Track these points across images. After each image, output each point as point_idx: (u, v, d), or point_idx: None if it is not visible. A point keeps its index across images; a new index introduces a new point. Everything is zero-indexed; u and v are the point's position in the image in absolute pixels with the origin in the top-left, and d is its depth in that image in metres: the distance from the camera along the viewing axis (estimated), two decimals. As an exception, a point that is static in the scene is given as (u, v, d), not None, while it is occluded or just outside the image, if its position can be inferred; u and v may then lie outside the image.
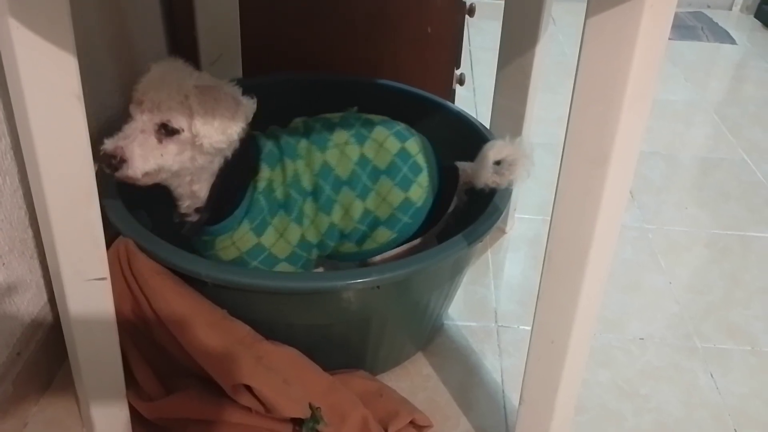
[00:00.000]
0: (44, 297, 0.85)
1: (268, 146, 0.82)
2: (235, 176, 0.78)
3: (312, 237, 0.83)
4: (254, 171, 0.80)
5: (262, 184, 0.80)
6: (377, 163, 0.83)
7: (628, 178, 0.60)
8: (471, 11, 1.24)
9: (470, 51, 1.91)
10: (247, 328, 0.76)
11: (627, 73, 0.53)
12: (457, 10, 1.17)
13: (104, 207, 0.82)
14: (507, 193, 0.88)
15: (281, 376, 0.74)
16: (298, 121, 0.88)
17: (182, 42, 1.18)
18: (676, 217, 1.29)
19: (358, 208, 0.83)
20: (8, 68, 0.55)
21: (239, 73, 1.14)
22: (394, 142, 0.84)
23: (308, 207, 0.82)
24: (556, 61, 1.64)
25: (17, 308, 0.81)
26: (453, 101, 1.24)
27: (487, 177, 0.85)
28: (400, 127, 0.87)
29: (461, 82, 1.31)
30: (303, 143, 0.83)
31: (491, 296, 1.06)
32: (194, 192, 0.78)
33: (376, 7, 1.15)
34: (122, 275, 0.77)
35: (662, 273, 1.14)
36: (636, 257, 1.18)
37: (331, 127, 0.85)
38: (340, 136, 0.84)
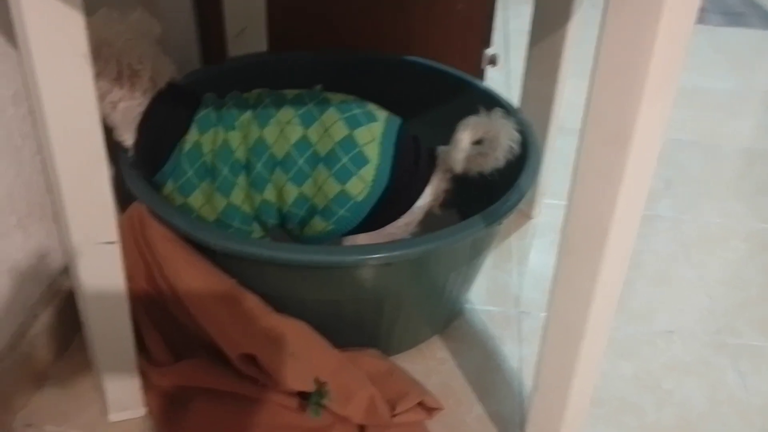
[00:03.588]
0: (62, 262, 0.86)
1: (206, 111, 0.81)
2: (159, 131, 0.80)
3: (247, 209, 0.81)
4: (182, 130, 0.80)
5: (187, 146, 0.80)
6: (318, 148, 0.78)
7: (651, 158, 0.56)
8: (505, -11, 1.20)
9: (505, 34, 1.86)
10: (257, 299, 0.75)
11: (651, 44, 0.49)
12: (490, -12, 1.13)
13: (121, 173, 0.83)
14: (531, 173, 0.85)
15: (289, 349, 0.73)
16: (254, 92, 0.85)
17: (208, 15, 1.17)
18: (713, 208, 1.24)
19: (291, 192, 0.79)
20: (17, 27, 0.55)
21: (264, 47, 1.12)
22: (340, 128, 0.78)
23: (241, 180, 0.80)
24: (592, 46, 1.59)
25: (35, 272, 0.82)
26: (482, 81, 1.21)
27: (463, 159, 0.78)
28: (362, 110, 0.80)
29: (493, 62, 1.27)
30: (246, 115, 0.80)
31: (513, 282, 1.04)
32: (122, 141, 0.83)
33: (406, -18, 1.13)
34: (135, 242, 0.77)
35: (694, 266, 1.09)
36: (667, 248, 1.13)
37: (281, 103, 0.81)
38: (286, 114, 0.80)
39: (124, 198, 0.93)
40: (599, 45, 0.53)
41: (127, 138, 0.82)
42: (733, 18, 2.15)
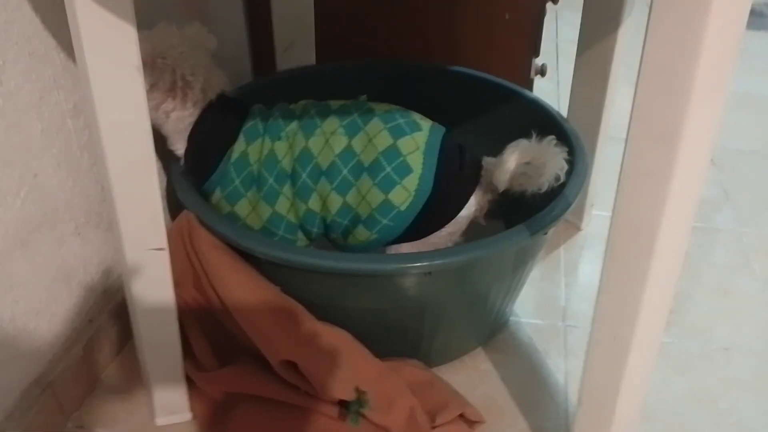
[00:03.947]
0: (118, 269, 0.89)
1: (253, 121, 0.83)
2: (208, 141, 0.83)
3: (292, 218, 0.82)
4: (231, 140, 0.82)
5: (234, 156, 0.82)
6: (363, 158, 0.78)
7: (702, 161, 0.54)
8: (554, -1, 1.19)
9: (557, 43, 1.84)
10: (300, 306, 0.76)
11: (699, 41, 0.48)
12: (538, -4, 1.12)
13: (173, 183, 0.86)
14: (578, 184, 0.83)
15: (330, 357, 0.73)
16: (300, 103, 0.86)
17: (260, 29, 1.20)
18: (776, 220, 1.18)
19: (336, 202, 0.79)
20: (74, 39, 0.58)
21: (312, 60, 1.14)
22: (384, 138, 0.78)
23: (287, 189, 0.81)
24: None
25: (92, 278, 0.85)
26: (531, 91, 1.19)
27: (506, 180, 0.77)
28: (407, 119, 0.81)
29: (542, 72, 1.25)
30: (292, 126, 0.81)
31: (561, 294, 1.01)
32: (174, 150, 0.86)
33: (453, -8, 1.13)
34: (184, 249, 0.79)
35: (756, 278, 1.04)
36: (727, 260, 1.08)
37: (326, 114, 0.82)
38: (331, 124, 0.80)
39: (174, 207, 0.96)
40: (645, 43, 0.51)
41: (179, 147, 0.85)
42: (799, 23, 2.06)
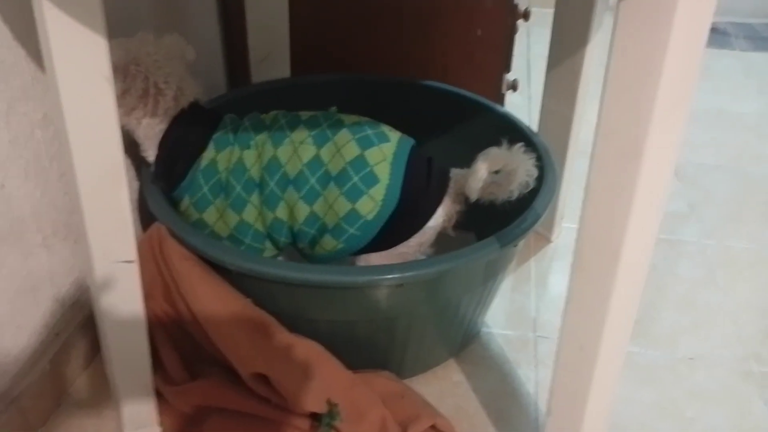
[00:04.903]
0: (87, 281, 0.88)
1: (224, 130, 0.84)
2: (179, 148, 0.83)
3: (260, 227, 0.83)
4: (201, 148, 0.83)
5: (204, 163, 0.83)
6: (330, 167, 0.79)
7: (664, 175, 0.56)
8: (526, 15, 1.21)
9: (529, 59, 1.87)
10: (271, 318, 0.76)
11: (662, 58, 0.49)
12: (509, 13, 1.15)
13: (144, 193, 0.85)
14: (547, 196, 0.84)
15: (301, 369, 0.73)
16: (271, 114, 0.87)
17: (235, 41, 1.20)
18: (739, 233, 1.21)
19: (303, 211, 0.80)
20: (43, 49, 0.57)
21: (287, 72, 1.15)
22: (352, 148, 0.79)
23: (255, 198, 0.82)
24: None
25: (59, 290, 0.84)
26: (502, 105, 1.21)
27: (479, 188, 0.78)
28: (375, 131, 0.81)
29: (514, 87, 1.28)
30: (262, 135, 0.82)
31: (531, 305, 1.02)
32: (145, 156, 0.86)
33: (426, 8, 1.14)
34: (155, 260, 0.78)
35: (719, 291, 1.07)
36: (692, 273, 1.11)
37: (296, 124, 0.83)
38: (300, 134, 0.81)
39: (145, 218, 0.95)
40: (609, 62, 0.53)
41: (150, 154, 0.85)
42: (760, 43, 2.12)
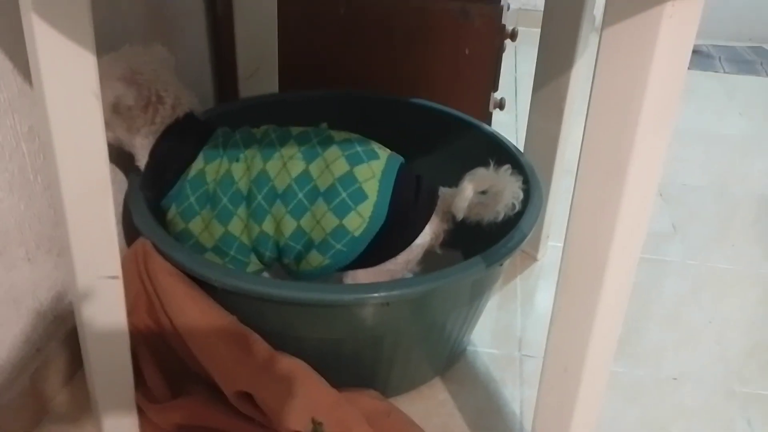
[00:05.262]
0: (69, 296, 0.87)
1: (215, 142, 0.84)
2: (169, 157, 0.83)
3: (245, 240, 0.83)
4: (191, 158, 0.83)
5: (192, 173, 0.83)
6: (319, 183, 0.80)
7: (649, 192, 0.56)
8: (513, 35, 1.23)
9: (516, 77, 1.89)
10: (256, 336, 0.75)
11: (645, 80, 0.50)
12: (496, 33, 1.16)
13: (129, 208, 0.85)
14: (533, 215, 0.85)
15: (286, 387, 0.72)
16: (262, 128, 0.88)
17: (223, 55, 1.21)
18: (723, 253, 1.23)
19: (289, 225, 0.80)
20: (31, 63, 0.57)
21: (275, 88, 1.15)
22: (342, 165, 0.80)
23: (241, 211, 0.82)
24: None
25: (41, 304, 0.83)
26: (489, 124, 1.22)
27: (465, 208, 0.79)
28: (364, 148, 0.82)
29: (501, 106, 1.29)
30: (251, 149, 0.83)
31: (517, 324, 1.03)
32: (138, 166, 0.86)
33: (415, 26, 1.16)
34: (139, 275, 0.78)
35: (703, 310, 1.08)
36: (675, 292, 1.12)
37: (286, 139, 0.83)
38: (290, 149, 0.82)
39: (129, 232, 0.95)
40: (593, 83, 0.53)
41: (143, 163, 0.85)
42: (744, 66, 2.16)
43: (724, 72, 2.09)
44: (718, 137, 1.68)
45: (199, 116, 0.88)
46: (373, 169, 0.80)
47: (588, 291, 0.60)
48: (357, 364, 0.82)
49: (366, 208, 0.78)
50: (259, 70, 1.12)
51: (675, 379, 0.94)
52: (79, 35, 0.55)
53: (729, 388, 0.93)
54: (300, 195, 0.79)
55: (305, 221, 0.80)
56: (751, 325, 1.05)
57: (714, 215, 1.35)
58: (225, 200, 0.81)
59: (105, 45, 0.59)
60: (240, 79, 1.12)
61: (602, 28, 0.51)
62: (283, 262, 0.85)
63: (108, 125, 0.74)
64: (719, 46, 2.29)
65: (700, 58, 2.17)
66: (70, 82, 0.57)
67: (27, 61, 0.58)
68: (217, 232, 0.82)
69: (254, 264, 0.85)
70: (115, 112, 0.81)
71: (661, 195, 1.40)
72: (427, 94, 1.15)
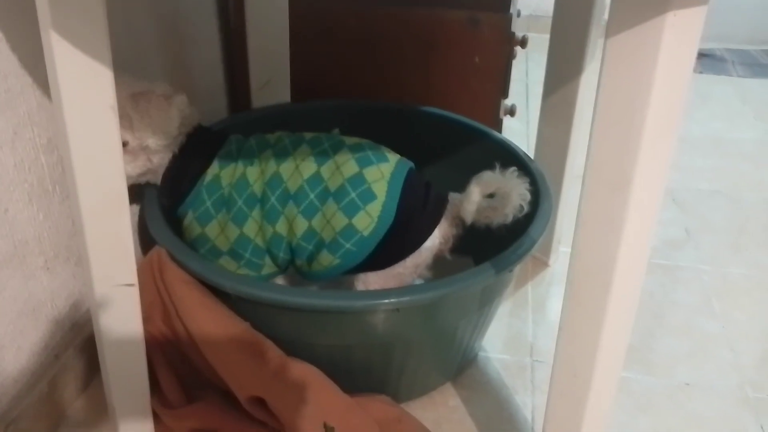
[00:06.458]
0: (86, 304, 0.89)
1: (229, 148, 0.86)
2: (185, 167, 0.85)
3: (260, 242, 0.84)
4: (207, 165, 0.85)
5: (208, 178, 0.85)
6: (329, 184, 0.82)
7: (655, 200, 0.57)
8: (523, 42, 1.23)
9: (527, 84, 1.89)
10: (269, 342, 0.76)
11: (649, 90, 0.51)
12: (506, 41, 1.17)
13: (144, 218, 0.87)
14: (543, 222, 0.85)
15: (298, 393, 0.73)
16: (276, 134, 0.90)
17: (236, 67, 1.23)
18: (736, 259, 1.22)
19: (301, 225, 0.82)
20: (50, 78, 0.59)
21: (287, 99, 1.17)
22: (351, 166, 0.82)
23: (256, 213, 0.83)
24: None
25: (59, 312, 0.84)
26: (500, 131, 1.23)
27: (473, 212, 0.80)
28: (374, 151, 0.84)
29: (512, 113, 1.30)
30: (265, 153, 0.85)
31: (529, 330, 1.03)
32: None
33: (424, 35, 1.17)
34: (154, 283, 0.79)
35: (716, 317, 1.07)
36: (688, 299, 1.11)
37: (299, 144, 0.86)
38: (303, 152, 0.84)
39: (146, 241, 0.96)
40: (598, 93, 0.54)
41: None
42: (757, 69, 2.15)
43: (738, 76, 2.08)
44: (731, 142, 1.67)
45: (209, 127, 0.90)
46: (383, 171, 0.82)
47: (596, 298, 0.60)
48: (368, 370, 0.83)
49: (375, 208, 0.80)
50: (272, 81, 1.14)
51: (688, 386, 0.94)
52: (96, 51, 0.57)
53: (742, 395, 0.93)
54: (311, 195, 0.81)
55: (316, 221, 0.81)
56: (765, 331, 1.05)
57: (727, 221, 1.34)
58: (240, 202, 0.83)
59: (120, 60, 0.60)
60: (252, 90, 1.13)
61: (606, 38, 0.52)
62: (296, 263, 0.86)
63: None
64: (732, 49, 2.27)
65: (714, 61, 2.16)
66: (87, 96, 0.59)
67: (46, 76, 0.60)
68: (233, 234, 0.84)
69: (268, 266, 0.86)
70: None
71: (674, 200, 1.40)
72: (437, 102, 1.16)
